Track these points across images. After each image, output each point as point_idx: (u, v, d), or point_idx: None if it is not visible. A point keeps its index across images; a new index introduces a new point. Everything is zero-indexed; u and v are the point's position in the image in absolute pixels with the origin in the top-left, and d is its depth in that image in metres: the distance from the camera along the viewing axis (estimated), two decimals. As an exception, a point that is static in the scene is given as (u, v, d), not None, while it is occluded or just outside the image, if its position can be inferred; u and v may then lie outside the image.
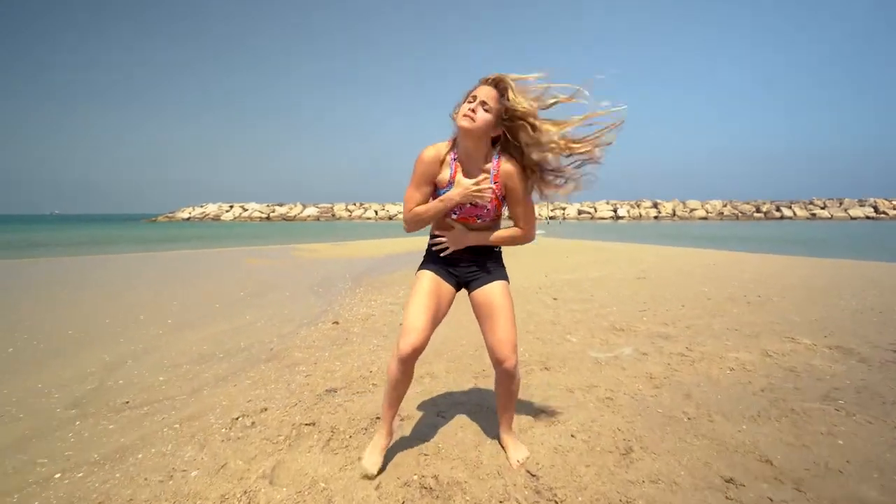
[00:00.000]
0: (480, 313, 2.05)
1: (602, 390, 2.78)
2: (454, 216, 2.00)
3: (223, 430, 2.43)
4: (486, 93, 1.88)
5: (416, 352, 1.90)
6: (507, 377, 2.01)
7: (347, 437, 2.31)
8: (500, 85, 1.91)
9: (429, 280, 2.04)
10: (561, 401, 2.65)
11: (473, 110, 1.86)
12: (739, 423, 2.32)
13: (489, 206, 1.96)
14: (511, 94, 1.89)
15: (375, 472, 1.95)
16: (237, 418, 2.55)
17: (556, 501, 1.77)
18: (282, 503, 1.80)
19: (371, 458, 1.99)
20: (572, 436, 2.23)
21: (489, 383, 2.95)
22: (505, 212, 2.07)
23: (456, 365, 3.33)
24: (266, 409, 2.67)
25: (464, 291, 2.17)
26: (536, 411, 2.50)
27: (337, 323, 4.71)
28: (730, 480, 1.85)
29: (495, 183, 1.95)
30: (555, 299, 5.47)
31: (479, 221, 2.01)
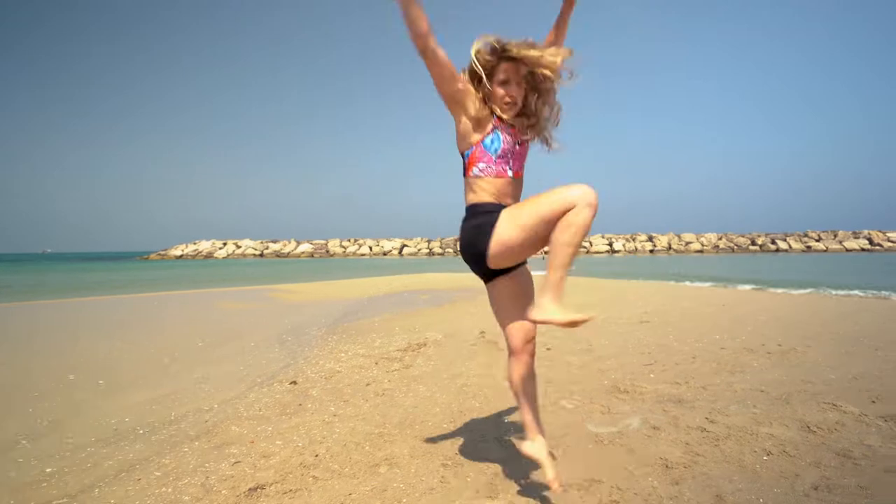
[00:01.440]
0: (510, 298, 2.07)
1: (606, 488, 2.14)
2: (510, 172, 1.93)
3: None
4: (513, 70, 1.88)
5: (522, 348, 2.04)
6: (531, 359, 2.08)
7: (255, 576, 1.65)
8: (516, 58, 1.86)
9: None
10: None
11: (512, 94, 1.90)
12: (798, 549, 1.67)
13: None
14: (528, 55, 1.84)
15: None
16: (116, 540, 1.89)
17: None
18: None
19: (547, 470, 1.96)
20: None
21: (458, 473, 2.31)
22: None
23: (423, 447, 2.68)
24: (164, 522, 2.00)
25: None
26: (519, 528, 1.85)
27: (294, 383, 4.05)
28: None
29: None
30: (548, 349, 4.83)
31: (522, 174, 2.01)
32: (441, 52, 1.80)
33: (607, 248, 64.74)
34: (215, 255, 71.51)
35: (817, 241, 61.21)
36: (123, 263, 49.77)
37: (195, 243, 77.27)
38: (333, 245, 74.97)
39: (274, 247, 74.79)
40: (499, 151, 1.91)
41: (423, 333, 5.97)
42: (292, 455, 2.63)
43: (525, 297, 2.06)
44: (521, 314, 1.96)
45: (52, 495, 2.32)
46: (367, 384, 3.93)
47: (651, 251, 63.38)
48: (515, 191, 1.98)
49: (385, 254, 70.23)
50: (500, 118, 1.93)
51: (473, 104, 1.89)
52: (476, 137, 1.92)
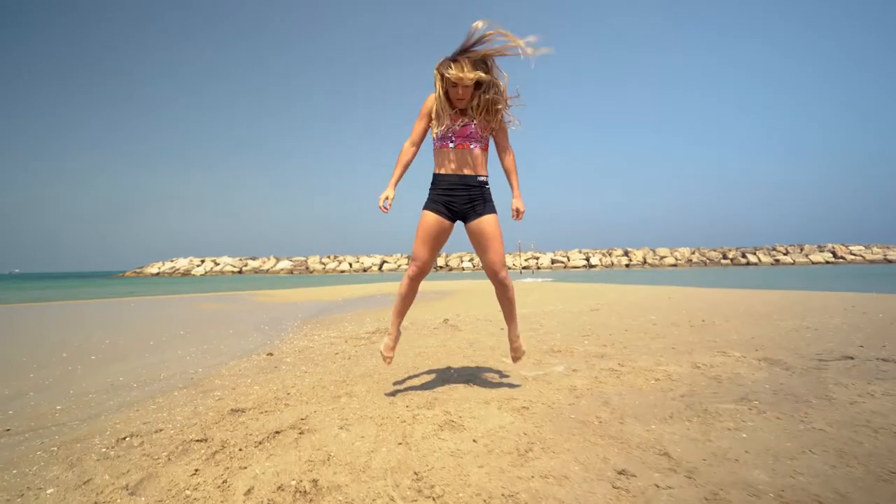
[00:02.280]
0: (476, 241, 2.69)
1: (520, 402, 2.68)
2: (451, 144, 2.65)
3: (104, 450, 2.24)
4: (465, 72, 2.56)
5: (422, 273, 2.72)
6: (503, 287, 2.75)
7: (237, 450, 2.14)
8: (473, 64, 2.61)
9: (431, 218, 2.67)
10: (474, 412, 2.53)
11: (463, 93, 2.62)
12: (649, 423, 2.24)
13: (477, 131, 2.67)
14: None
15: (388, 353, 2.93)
16: (124, 438, 2.37)
17: (433, 498, 1.64)
18: (135, 513, 1.63)
19: (384, 344, 2.92)
20: (474, 441, 2.12)
21: (404, 398, 2.84)
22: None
23: (379, 386, 3.19)
24: (161, 430, 2.48)
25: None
26: (444, 422, 2.38)
27: (271, 354, 4.52)
28: (622, 472, 1.75)
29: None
30: (501, 329, 5.38)
31: (472, 147, 2.67)
32: (420, 137, 2.78)
33: (584, 262, 66.05)
34: (193, 272, 70.76)
35: (785, 254, 63.44)
36: (98, 280, 48.97)
37: (172, 261, 76.39)
38: (313, 262, 74.83)
39: (253, 263, 74.37)
40: (440, 134, 2.70)
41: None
42: (268, 393, 3.11)
43: (486, 239, 2.69)
44: (485, 256, 2.72)
45: (66, 419, 2.78)
46: (336, 353, 4.43)
47: (627, 265, 64.85)
48: (459, 157, 2.68)
49: (365, 270, 70.34)
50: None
51: (432, 116, 2.72)
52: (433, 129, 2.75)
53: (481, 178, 2.72)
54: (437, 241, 2.71)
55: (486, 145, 2.76)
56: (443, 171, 2.71)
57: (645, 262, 65.92)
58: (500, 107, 2.71)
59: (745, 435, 2.04)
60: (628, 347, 4.07)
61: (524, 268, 61.10)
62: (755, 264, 60.87)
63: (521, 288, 14.40)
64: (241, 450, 2.15)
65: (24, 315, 9.40)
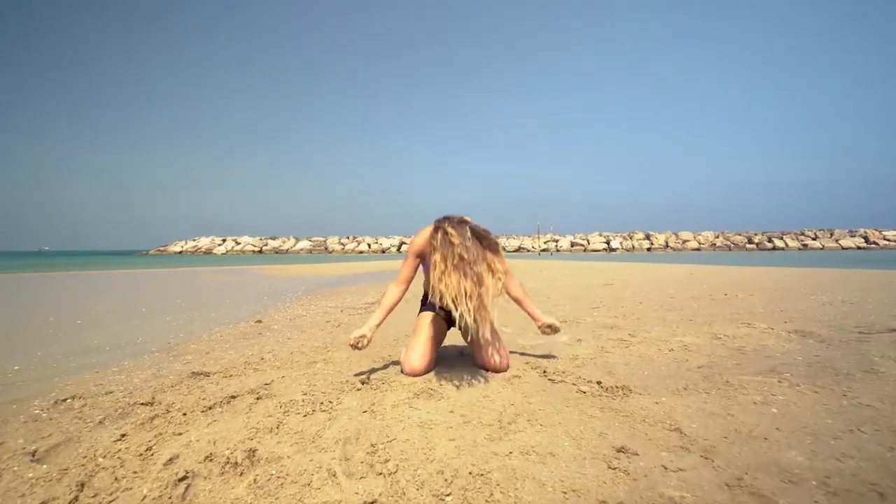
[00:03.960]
0: (473, 341, 2.40)
1: (512, 371, 2.37)
2: None
3: (37, 412, 1.99)
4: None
5: (422, 373, 2.32)
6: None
7: (180, 415, 1.88)
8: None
9: (429, 317, 2.48)
10: (461, 379, 2.22)
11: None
12: (659, 396, 1.90)
13: None
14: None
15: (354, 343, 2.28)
16: (65, 400, 2.12)
17: (384, 475, 1.34)
18: (33, 480, 1.37)
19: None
20: (451, 411, 1.81)
21: (386, 365, 2.55)
22: None
23: (361, 353, 2.90)
24: (110, 393, 2.23)
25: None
26: (421, 390, 2.08)
27: (259, 321, 4.28)
28: (622, 449, 1.43)
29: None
30: (507, 301, 5.04)
31: None
32: (409, 277, 2.45)
33: (605, 246, 64.94)
34: (214, 251, 71.73)
35: (814, 239, 61.37)
36: (122, 258, 49.88)
37: (195, 240, 77.50)
38: (332, 242, 75.14)
39: (273, 243, 75.01)
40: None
41: (394, 293, 6.19)
42: (240, 358, 2.86)
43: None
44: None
45: (17, 380, 2.56)
46: (327, 321, 4.16)
47: (648, 249, 63.55)
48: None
49: (384, 251, 70.37)
50: None
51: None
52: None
53: None
54: (439, 338, 2.52)
55: None
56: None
57: (667, 245, 64.52)
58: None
59: (775, 410, 1.69)
60: (641, 319, 3.71)
61: (543, 250, 60.38)
62: (782, 249, 59.07)
63: (534, 265, 14.02)
64: (185, 415, 1.88)
65: (29, 283, 9.39)
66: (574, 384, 2.09)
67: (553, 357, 2.66)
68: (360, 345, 2.28)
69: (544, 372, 2.30)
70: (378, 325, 2.38)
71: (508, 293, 2.51)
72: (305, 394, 2.08)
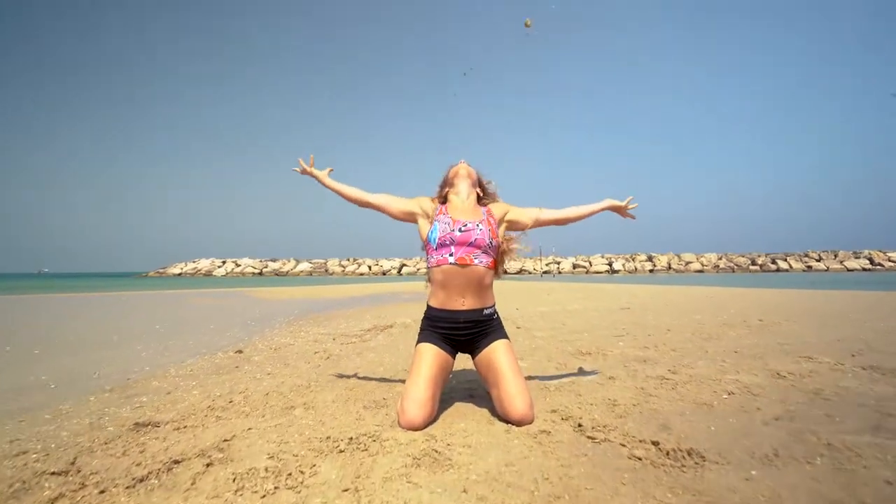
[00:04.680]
0: (487, 375, 2.00)
1: (538, 422, 1.87)
2: (451, 258, 1.99)
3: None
4: (465, 168, 2.27)
5: (422, 426, 1.82)
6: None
7: (97, 492, 1.39)
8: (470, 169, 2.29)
9: (429, 351, 2.00)
10: (471, 437, 1.73)
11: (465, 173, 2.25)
12: (745, 467, 1.40)
13: (486, 239, 2.02)
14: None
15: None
16: (-41, 465, 1.63)
17: None
18: None
19: None
20: (464, 490, 1.32)
21: (377, 413, 2.06)
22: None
23: (350, 394, 2.41)
24: (23, 453, 1.73)
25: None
26: (423, 452, 1.59)
27: (240, 352, 3.78)
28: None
29: (489, 215, 2.15)
30: (518, 328, 4.56)
31: (476, 262, 2.00)
32: (380, 200, 2.24)
33: (607, 267, 64.36)
34: (214, 273, 71.22)
35: (818, 261, 60.80)
36: (120, 280, 49.41)
37: (194, 262, 77.07)
38: (332, 264, 74.64)
39: (273, 265, 74.51)
40: (437, 241, 2.04)
41: (392, 319, 5.71)
42: (204, 401, 2.36)
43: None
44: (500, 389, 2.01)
45: (-83, 431, 2.05)
46: (316, 352, 3.67)
47: (651, 271, 62.95)
48: (463, 279, 2.01)
49: (384, 273, 69.84)
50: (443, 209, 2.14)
51: (423, 208, 2.19)
52: (424, 232, 2.14)
53: (488, 311, 2.09)
54: (443, 376, 2.02)
55: (494, 260, 2.11)
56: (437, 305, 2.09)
57: (670, 267, 63.95)
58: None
59: (925, 495, 1.20)
60: (677, 350, 3.21)
61: (545, 272, 59.88)
62: (786, 270, 58.47)
63: (540, 287, 13.52)
64: (102, 492, 1.39)
65: (6, 305, 8.89)
66: (623, 445, 1.60)
67: (581, 396, 2.18)
68: (302, 169, 2.36)
69: (579, 425, 1.81)
70: (329, 182, 2.36)
71: (545, 222, 2.33)
72: (272, 457, 1.59)
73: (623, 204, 2.39)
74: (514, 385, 1.90)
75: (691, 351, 3.17)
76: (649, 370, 2.66)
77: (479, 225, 2.05)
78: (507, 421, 1.89)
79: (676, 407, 2.00)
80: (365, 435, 1.76)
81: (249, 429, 1.90)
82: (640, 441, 1.62)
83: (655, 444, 1.59)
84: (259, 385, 2.67)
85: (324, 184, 2.36)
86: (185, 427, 1.96)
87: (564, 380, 2.55)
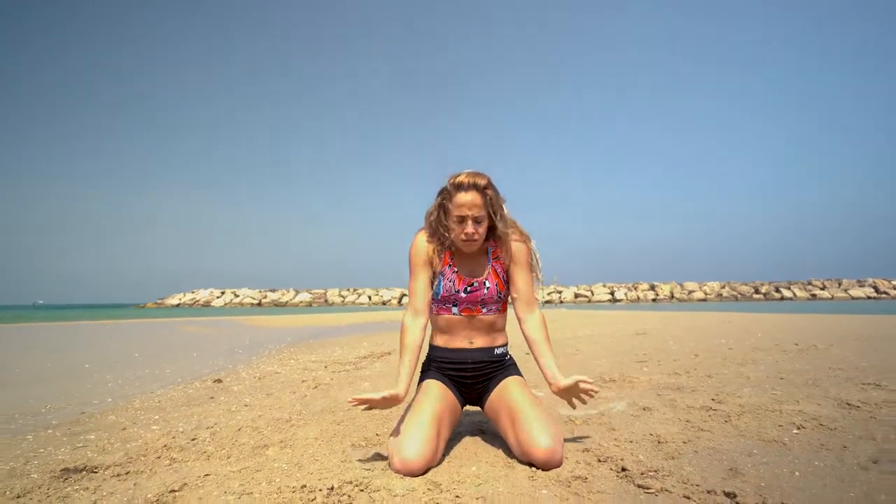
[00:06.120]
0: (499, 416, 1.67)
1: (569, 464, 1.49)
2: (455, 310, 1.78)
3: None
4: (473, 202, 1.68)
5: (422, 470, 1.44)
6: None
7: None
8: (484, 191, 1.70)
9: (437, 387, 1.74)
10: (491, 484, 1.35)
11: (473, 231, 1.70)
12: (867, 529, 1.02)
13: (495, 295, 1.78)
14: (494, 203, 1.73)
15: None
16: None
17: None
18: None
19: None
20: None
21: (367, 452, 1.67)
22: None
23: (339, 428, 2.02)
24: None
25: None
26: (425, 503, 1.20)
27: (219, 381, 3.39)
28: None
29: (496, 262, 1.82)
30: (527, 353, 4.15)
31: (484, 312, 1.79)
32: (427, 299, 1.79)
33: (609, 297, 63.77)
34: (213, 303, 70.56)
35: (822, 289, 60.23)
36: (116, 311, 48.84)
37: (193, 292, 76.47)
38: (332, 294, 74.02)
39: (272, 296, 73.86)
40: (440, 296, 1.79)
41: (390, 346, 5.31)
42: (160, 439, 1.97)
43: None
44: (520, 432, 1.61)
45: None
46: (303, 381, 3.27)
47: (653, 300, 62.29)
48: (470, 326, 1.79)
49: (385, 303, 69.19)
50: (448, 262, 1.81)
51: (430, 259, 1.81)
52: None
53: (500, 350, 1.85)
54: (448, 419, 1.68)
55: (506, 302, 1.88)
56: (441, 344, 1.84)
57: (672, 296, 63.34)
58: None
59: None
60: (713, 377, 2.82)
61: (546, 302, 59.23)
62: (790, 299, 57.86)
63: (545, 314, 13.06)
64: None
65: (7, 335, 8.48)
66: (688, 497, 1.21)
67: (616, 431, 1.79)
68: (380, 407, 1.60)
69: (622, 469, 1.42)
70: (410, 377, 1.66)
71: (515, 307, 1.88)
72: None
73: (571, 384, 1.66)
74: (535, 417, 1.55)
75: (730, 377, 2.78)
76: (689, 399, 2.26)
77: (486, 282, 1.79)
78: (529, 463, 1.51)
79: (739, 445, 1.61)
80: (350, 483, 1.37)
81: (206, 475, 1.51)
82: (709, 492, 1.24)
83: (730, 496, 1.21)
84: (232, 419, 2.28)
85: (399, 396, 1.60)
86: (126, 473, 1.57)
87: (591, 411, 2.16)
